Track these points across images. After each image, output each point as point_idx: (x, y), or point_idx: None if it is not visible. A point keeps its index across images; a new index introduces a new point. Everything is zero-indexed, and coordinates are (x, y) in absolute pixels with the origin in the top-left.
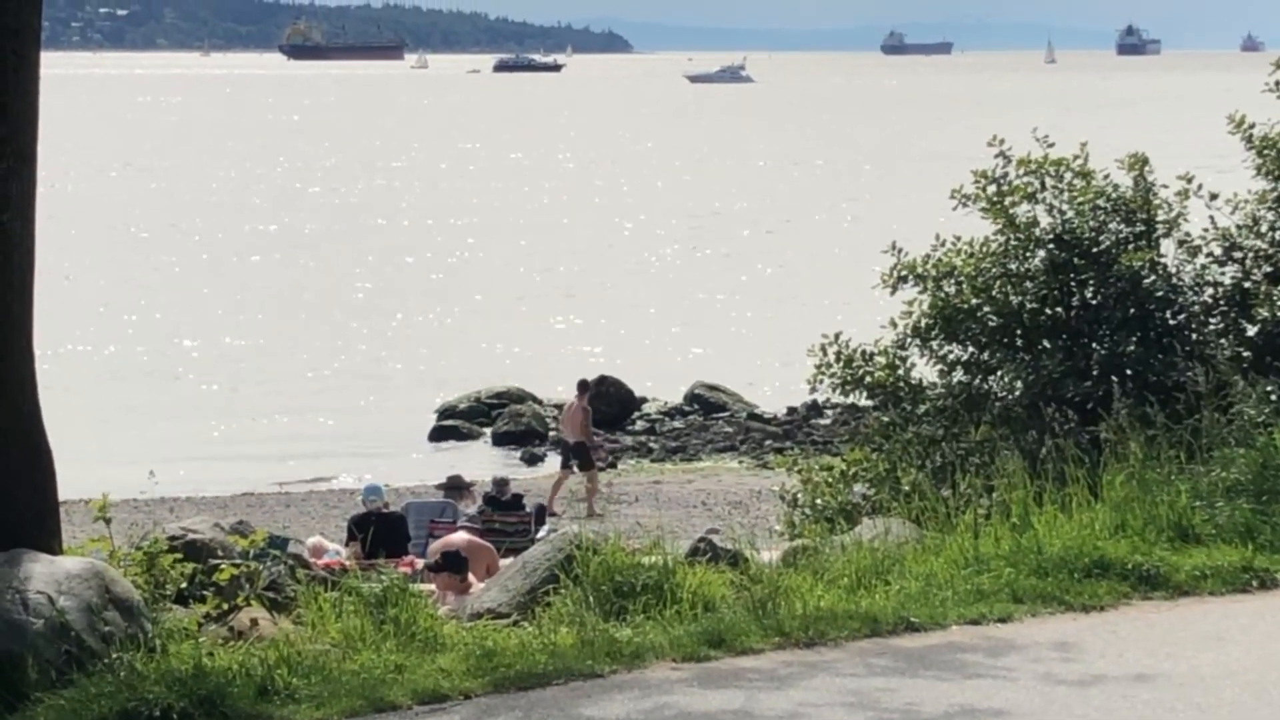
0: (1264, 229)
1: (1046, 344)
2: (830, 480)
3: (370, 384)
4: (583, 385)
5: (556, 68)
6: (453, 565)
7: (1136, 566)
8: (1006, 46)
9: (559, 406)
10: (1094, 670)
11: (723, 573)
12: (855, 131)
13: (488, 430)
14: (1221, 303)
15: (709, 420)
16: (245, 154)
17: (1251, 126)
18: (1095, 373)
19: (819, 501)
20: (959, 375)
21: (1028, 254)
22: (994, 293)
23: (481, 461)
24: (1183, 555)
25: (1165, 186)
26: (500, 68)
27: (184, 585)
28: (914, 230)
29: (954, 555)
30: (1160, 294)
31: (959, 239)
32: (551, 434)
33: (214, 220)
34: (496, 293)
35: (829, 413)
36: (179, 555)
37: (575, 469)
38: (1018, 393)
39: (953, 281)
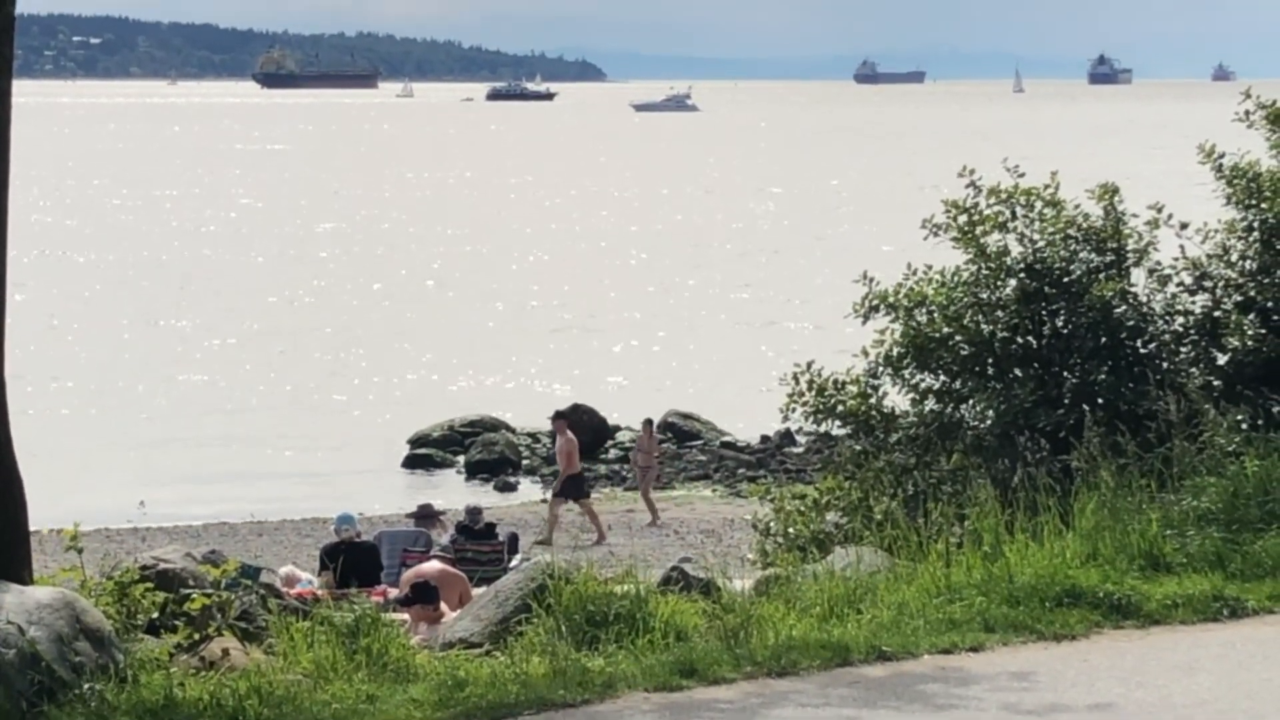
0: (1234, 258)
1: (1018, 373)
2: (803, 509)
3: (343, 412)
4: (649, 422)
5: (549, 96)
6: (422, 597)
7: (1108, 595)
8: (979, 76)
9: (532, 435)
10: (1064, 700)
11: (695, 602)
12: (800, 159)
13: (461, 459)
14: (1192, 331)
15: (682, 448)
16: (232, 183)
17: (1221, 156)
18: (1066, 401)
19: (791, 530)
20: (931, 404)
21: (999, 283)
22: (965, 322)
23: (454, 490)
24: (1154, 584)
25: (1135, 216)
26: (494, 96)
27: (155, 615)
28: (884, 259)
29: (926, 584)
30: (1131, 323)
31: (930, 268)
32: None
33: (190, 249)
34: (469, 321)
35: (802, 441)
36: (150, 585)
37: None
38: (989, 421)
39: (924, 311)
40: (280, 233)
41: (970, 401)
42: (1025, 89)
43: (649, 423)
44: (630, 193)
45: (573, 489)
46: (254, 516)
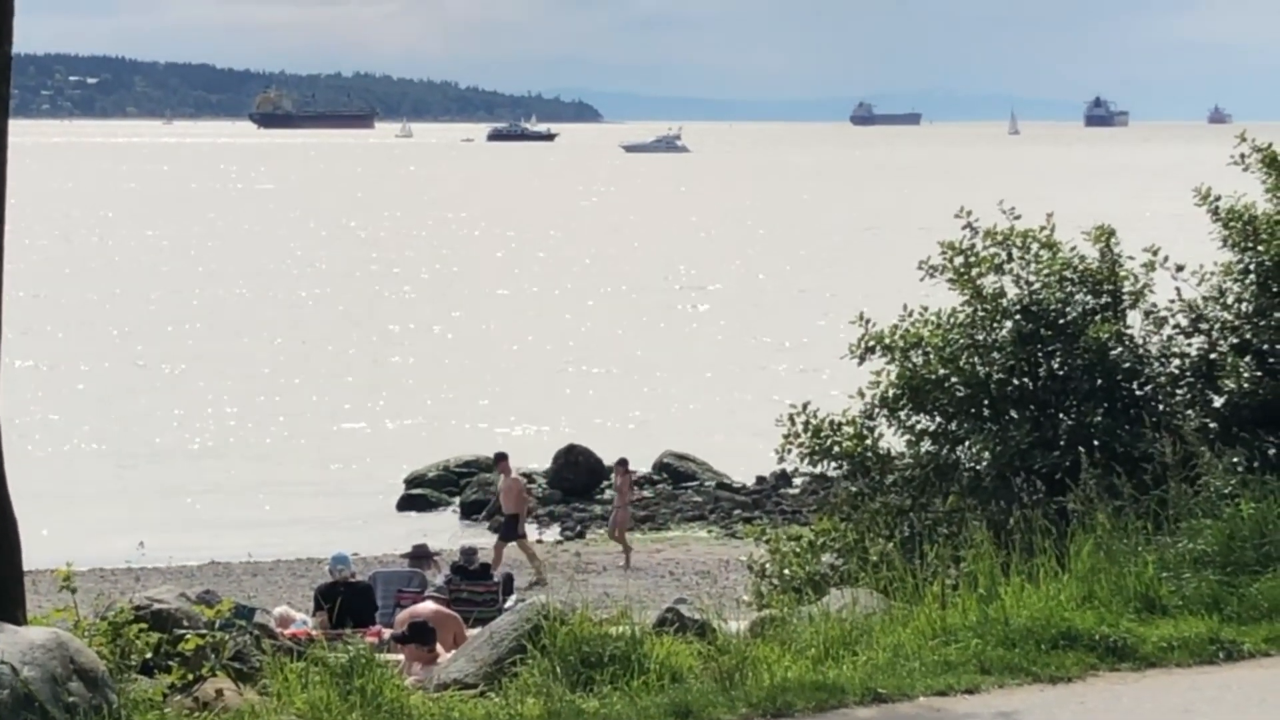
0: (1230, 300)
1: (1014, 414)
2: (798, 550)
3: (339, 452)
4: (622, 463)
5: (550, 136)
6: (419, 636)
7: (1104, 637)
8: (975, 117)
9: (528, 476)
10: None
11: (690, 643)
12: (790, 199)
13: (456, 499)
14: (1188, 374)
15: (678, 489)
16: (227, 223)
17: (1217, 199)
18: (1063, 443)
19: (787, 572)
20: (927, 445)
21: (995, 325)
22: (961, 363)
23: (449, 531)
24: (1150, 626)
25: (1131, 258)
26: (495, 136)
27: (149, 655)
28: (880, 300)
29: (921, 626)
30: (1127, 365)
31: (926, 310)
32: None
33: (184, 291)
34: (464, 361)
35: (798, 482)
36: (144, 625)
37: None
38: (985, 463)
39: (920, 352)
40: (276, 274)
41: (966, 443)
42: (1021, 130)
43: (623, 463)
44: (624, 234)
45: (508, 529)
46: (249, 556)
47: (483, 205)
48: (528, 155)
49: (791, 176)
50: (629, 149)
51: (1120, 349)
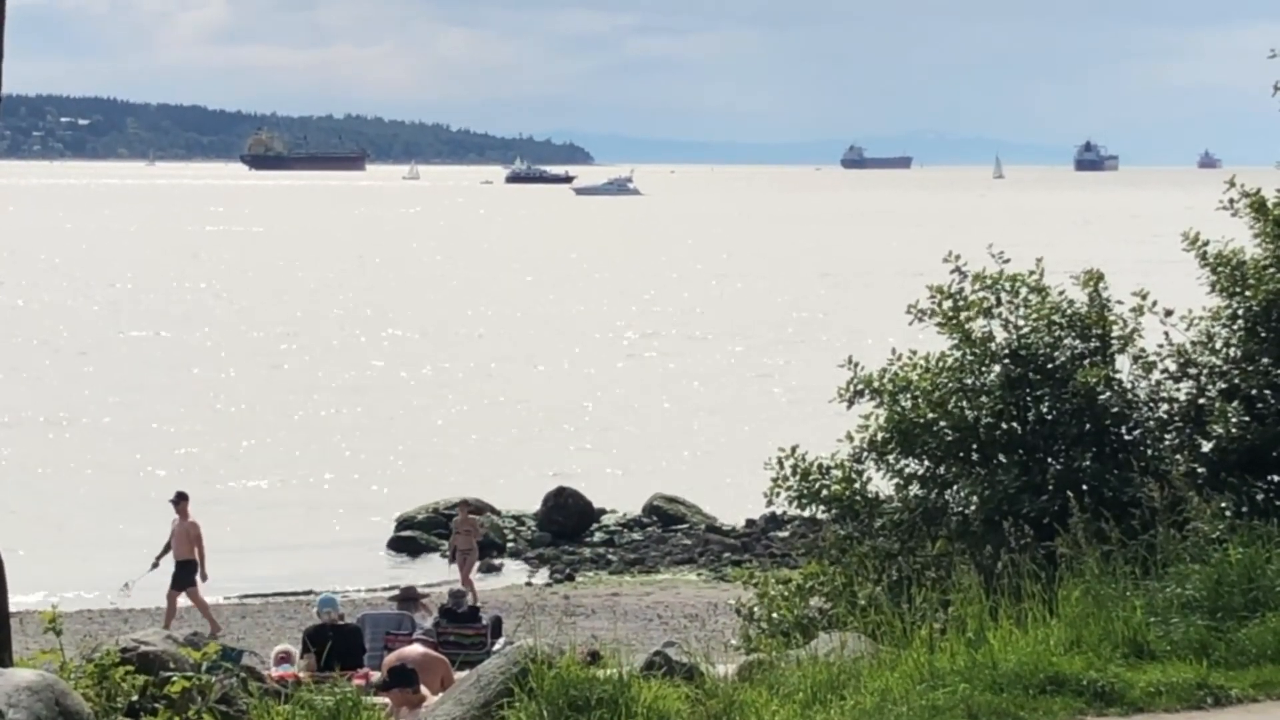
0: (1218, 345)
1: (1002, 459)
2: (787, 594)
3: (328, 494)
4: (465, 503)
5: (568, 179)
6: (402, 680)
7: (1091, 683)
8: (966, 161)
9: (517, 518)
10: None
11: (678, 687)
12: (738, 242)
13: (445, 542)
14: (1176, 419)
15: (667, 532)
16: (235, 264)
17: (1206, 243)
18: (1051, 488)
19: (775, 615)
20: (915, 489)
21: (983, 369)
22: (950, 407)
23: (439, 573)
24: (1137, 671)
25: (1120, 302)
26: (513, 179)
27: (135, 698)
28: (869, 344)
29: (909, 670)
30: (1115, 410)
31: (915, 353)
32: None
33: (177, 331)
34: (454, 403)
35: (787, 526)
36: (131, 667)
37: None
38: (974, 507)
39: (909, 396)
40: (273, 314)
41: (954, 487)
42: (1007, 175)
43: (466, 504)
44: (601, 278)
45: (180, 577)
46: (238, 598)
47: (478, 251)
48: (542, 198)
49: (734, 220)
50: (580, 192)
51: (1109, 393)
